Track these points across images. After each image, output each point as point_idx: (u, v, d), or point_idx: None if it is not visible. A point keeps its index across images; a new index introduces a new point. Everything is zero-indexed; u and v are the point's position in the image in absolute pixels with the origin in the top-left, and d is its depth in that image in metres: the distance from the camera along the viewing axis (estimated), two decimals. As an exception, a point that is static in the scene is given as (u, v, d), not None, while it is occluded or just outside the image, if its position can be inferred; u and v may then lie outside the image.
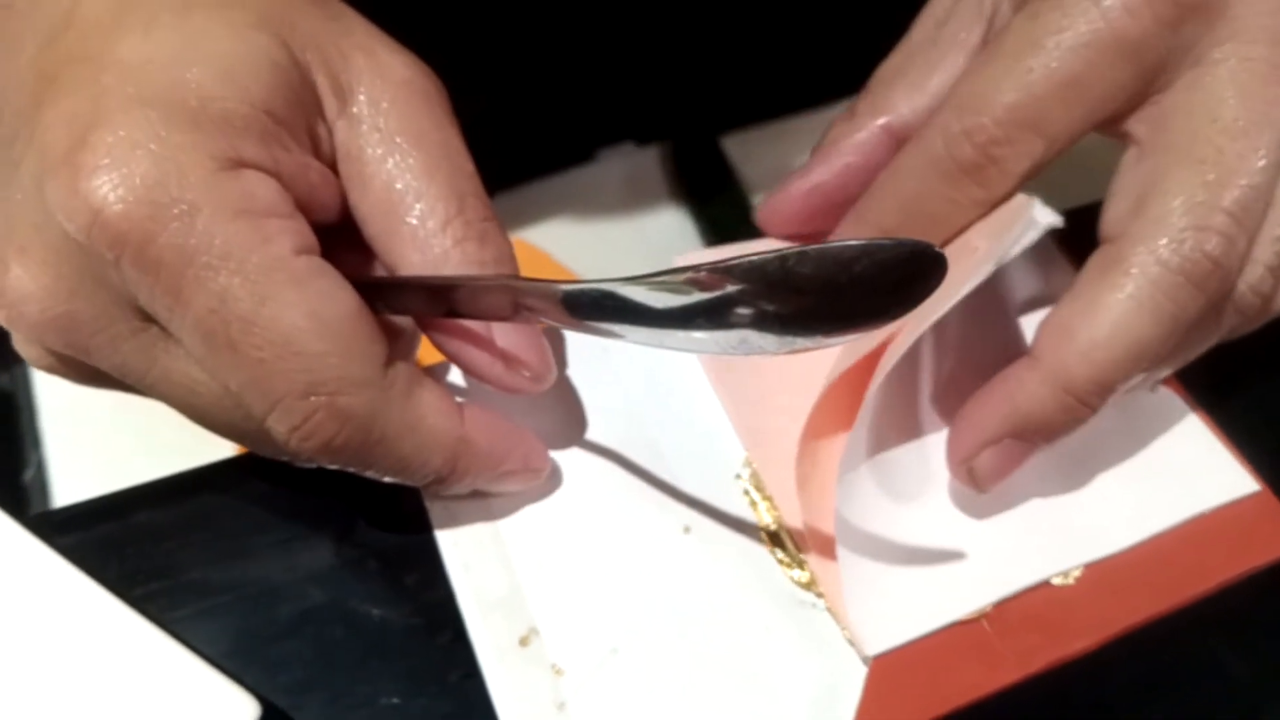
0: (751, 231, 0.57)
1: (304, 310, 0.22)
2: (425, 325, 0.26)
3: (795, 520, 0.27)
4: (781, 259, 0.20)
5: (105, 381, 0.25)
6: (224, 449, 0.47)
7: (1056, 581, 0.27)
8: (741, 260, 0.20)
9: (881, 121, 0.30)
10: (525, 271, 0.26)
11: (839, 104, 0.61)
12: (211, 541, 0.27)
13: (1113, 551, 0.27)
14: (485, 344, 0.26)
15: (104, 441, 0.51)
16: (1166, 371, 0.28)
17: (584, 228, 0.59)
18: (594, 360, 0.30)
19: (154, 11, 0.24)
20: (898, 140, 0.30)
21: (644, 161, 0.60)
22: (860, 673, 0.25)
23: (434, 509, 0.27)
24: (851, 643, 0.26)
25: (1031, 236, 0.25)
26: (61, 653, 0.24)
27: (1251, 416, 0.30)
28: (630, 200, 0.59)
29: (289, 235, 0.23)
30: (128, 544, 0.27)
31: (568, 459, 0.28)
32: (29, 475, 0.50)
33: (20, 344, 0.25)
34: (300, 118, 0.25)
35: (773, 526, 0.27)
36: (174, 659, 0.24)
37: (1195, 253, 0.25)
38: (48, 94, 0.23)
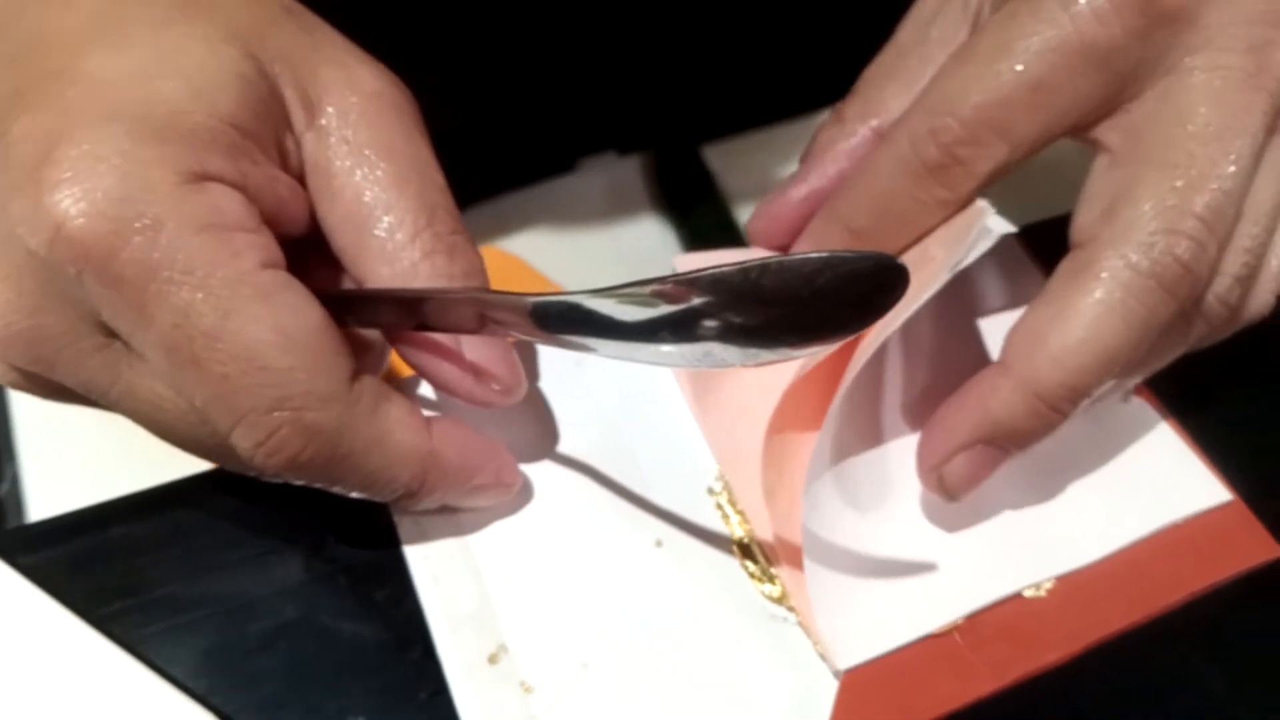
0: (732, 241, 0.57)
1: (269, 325, 0.22)
2: (394, 339, 0.26)
3: (767, 534, 0.27)
4: (744, 271, 0.20)
5: (72, 397, 0.25)
6: (203, 462, 0.47)
7: (1028, 593, 0.27)
8: (706, 272, 0.21)
9: (873, 124, 0.30)
10: (505, 282, 0.26)
11: (820, 113, 0.61)
12: (182, 557, 0.27)
13: (1085, 563, 0.27)
14: (454, 357, 0.26)
15: (80, 454, 0.50)
16: (1136, 379, 0.28)
17: (565, 238, 0.59)
18: (566, 373, 0.30)
19: (126, 27, 0.24)
20: None
21: (625, 171, 0.60)
22: (832, 686, 0.25)
23: (403, 524, 0.27)
24: (823, 656, 0.26)
25: (985, 245, 0.25)
26: (20, 677, 0.24)
27: (1223, 426, 0.30)
28: (611, 210, 0.59)
29: (255, 249, 0.23)
30: (97, 561, 0.26)
31: (539, 472, 0.28)
32: (3, 489, 0.50)
33: None
34: (268, 130, 0.24)
35: (745, 540, 0.27)
36: (137, 681, 0.24)
37: (1165, 257, 0.25)
38: (15, 109, 0.23)
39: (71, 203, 0.21)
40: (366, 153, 0.25)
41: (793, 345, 0.21)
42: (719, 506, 0.28)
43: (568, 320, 0.22)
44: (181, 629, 0.26)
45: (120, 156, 0.22)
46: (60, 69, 0.23)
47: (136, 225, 0.21)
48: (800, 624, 0.26)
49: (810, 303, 0.20)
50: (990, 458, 0.26)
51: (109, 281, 0.21)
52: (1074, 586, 0.27)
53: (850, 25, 0.58)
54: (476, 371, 0.26)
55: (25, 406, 0.52)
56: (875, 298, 0.20)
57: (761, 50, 0.59)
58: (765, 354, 0.21)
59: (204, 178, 0.22)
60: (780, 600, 0.26)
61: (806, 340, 0.21)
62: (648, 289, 0.21)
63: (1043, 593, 0.27)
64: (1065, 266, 0.26)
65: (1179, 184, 0.25)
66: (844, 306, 0.20)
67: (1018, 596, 0.27)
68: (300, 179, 0.25)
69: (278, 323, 0.22)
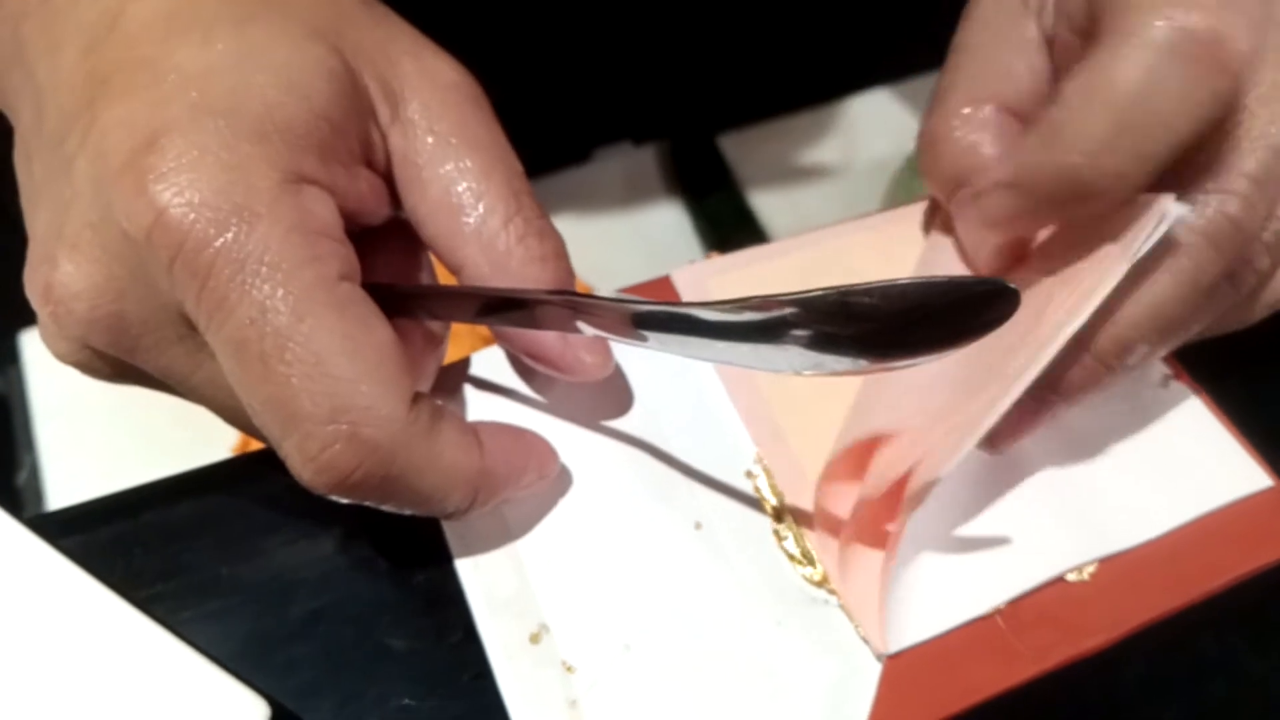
0: (747, 227, 0.57)
1: (340, 333, 0.22)
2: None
3: (808, 517, 0.27)
4: (862, 292, 0.21)
5: (139, 379, 0.25)
6: (221, 451, 0.47)
7: (1071, 578, 0.26)
8: (831, 295, 0.21)
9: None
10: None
11: (835, 103, 0.61)
12: (219, 542, 0.26)
13: (1127, 547, 0.27)
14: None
15: (99, 444, 0.50)
16: (1179, 341, 0.28)
17: (582, 227, 0.59)
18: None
19: (209, 22, 0.24)
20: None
21: (641, 161, 0.60)
22: (874, 670, 0.25)
23: (442, 508, 0.27)
24: (866, 640, 0.25)
25: (1162, 230, 0.25)
26: (67, 656, 0.24)
27: (1265, 412, 0.29)
28: (628, 199, 0.59)
29: (336, 259, 0.23)
30: (134, 544, 0.26)
31: (577, 455, 0.28)
32: (22, 478, 0.50)
33: (52, 338, 0.24)
34: (355, 126, 0.25)
35: (785, 523, 0.27)
36: (182, 661, 0.24)
37: (1217, 215, 0.25)
38: (102, 97, 0.23)
39: (175, 193, 0.22)
40: (453, 144, 0.26)
41: (899, 358, 0.22)
42: (758, 489, 0.28)
43: (665, 325, 0.23)
44: (219, 613, 0.25)
45: (225, 150, 0.22)
46: (148, 60, 0.23)
47: (234, 219, 0.22)
48: (842, 607, 0.26)
49: (922, 324, 0.21)
50: (1036, 412, 0.27)
51: (197, 271, 0.22)
52: (1116, 571, 0.27)
53: (865, 14, 0.58)
54: (572, 342, 0.26)
55: (45, 397, 0.52)
56: (986, 322, 0.21)
57: (776, 40, 0.59)
58: (869, 364, 0.22)
59: (300, 179, 0.23)
60: (821, 583, 0.26)
61: (913, 355, 0.22)
62: (756, 309, 0.22)
63: (1085, 577, 0.26)
64: None
65: (1235, 142, 0.25)
66: (951, 326, 0.21)
67: (1060, 581, 0.26)
68: (384, 171, 0.26)
69: (347, 332, 0.22)
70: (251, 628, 0.25)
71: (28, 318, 0.50)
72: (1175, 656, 0.26)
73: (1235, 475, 0.28)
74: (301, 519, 0.27)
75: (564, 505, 0.27)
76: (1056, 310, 0.26)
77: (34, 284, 0.24)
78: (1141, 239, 0.25)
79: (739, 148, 0.61)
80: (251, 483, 0.27)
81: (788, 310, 0.21)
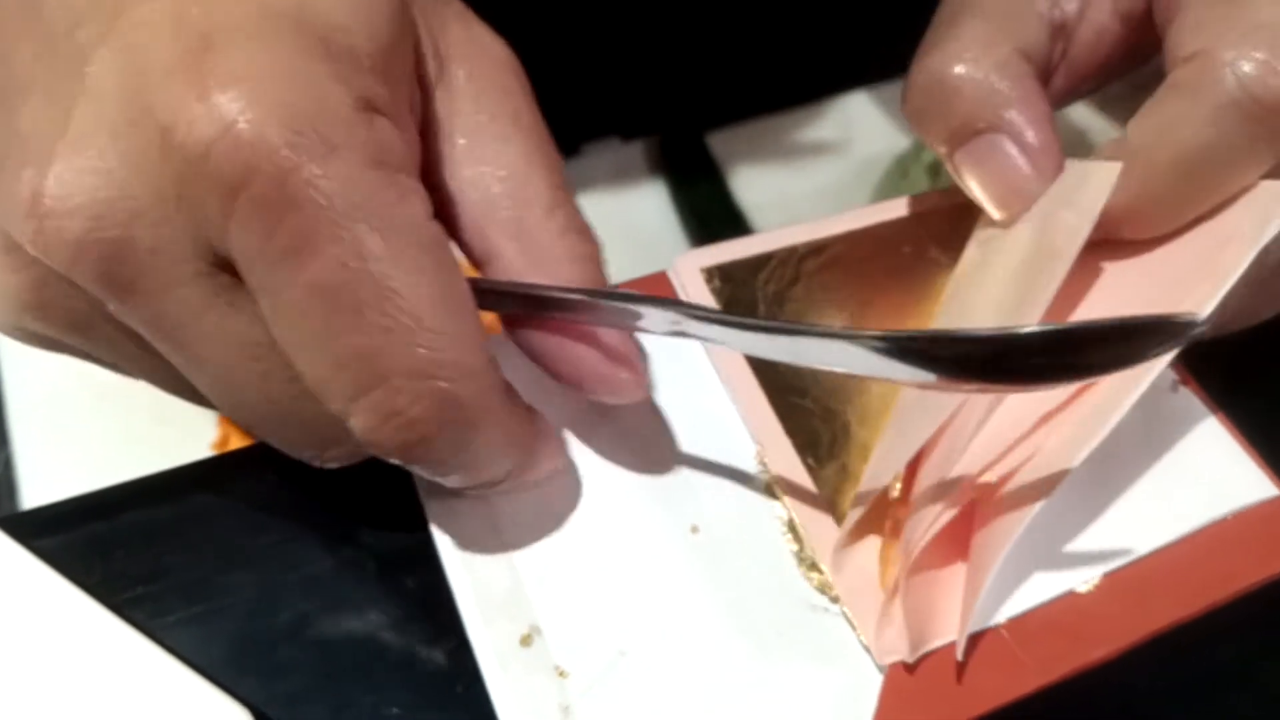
0: (735, 224, 0.57)
1: (437, 281, 0.20)
2: (514, 324, 0.25)
3: (809, 521, 0.26)
4: (1010, 339, 0.21)
5: (88, 342, 0.22)
6: (202, 448, 0.46)
7: (1077, 588, 0.26)
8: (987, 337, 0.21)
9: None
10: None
11: (825, 100, 0.61)
12: (203, 542, 0.25)
13: (1133, 558, 0.26)
14: (592, 341, 0.24)
15: (76, 439, 0.49)
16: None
17: (569, 222, 0.58)
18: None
19: None
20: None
21: (630, 156, 0.60)
22: (876, 680, 0.24)
23: (431, 506, 0.26)
24: (868, 649, 0.25)
25: None
26: (40, 664, 0.23)
27: (1272, 420, 0.29)
28: (616, 194, 0.59)
29: (419, 196, 0.20)
30: (113, 546, 0.25)
31: (571, 453, 0.27)
32: (-4, 473, 0.49)
33: (3, 284, 0.21)
34: (407, 73, 0.22)
35: (786, 527, 0.27)
36: (161, 668, 0.23)
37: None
38: None
39: (245, 105, 0.18)
40: (497, 122, 0.24)
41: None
42: (759, 491, 0.27)
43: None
44: (204, 617, 0.25)
45: (297, 63, 0.19)
46: None
47: (315, 147, 0.19)
48: (845, 614, 0.25)
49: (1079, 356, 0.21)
50: None
51: (273, 204, 0.19)
52: (1121, 581, 0.26)
53: (854, 12, 0.58)
54: (615, 358, 0.24)
55: (19, 388, 0.51)
56: (1150, 351, 0.21)
57: (765, 36, 0.59)
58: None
59: (372, 108, 0.20)
60: (823, 590, 0.26)
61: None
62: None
63: (1091, 586, 0.26)
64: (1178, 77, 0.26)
65: None
66: (1110, 355, 0.21)
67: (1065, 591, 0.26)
68: (419, 127, 0.23)
69: (443, 281, 0.20)
70: (236, 632, 0.24)
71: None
72: (1189, 667, 0.26)
73: (1241, 484, 0.28)
74: (288, 520, 0.26)
75: (557, 505, 0.26)
76: (1172, 294, 0.26)
77: (11, 192, 0.19)
78: (1271, 225, 0.25)
79: (728, 144, 0.60)
80: (236, 482, 0.26)
81: (949, 349, 0.21)
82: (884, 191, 0.55)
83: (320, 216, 0.19)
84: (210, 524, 0.26)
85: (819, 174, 0.59)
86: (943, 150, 0.29)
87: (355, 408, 0.20)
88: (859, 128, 0.61)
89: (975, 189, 0.28)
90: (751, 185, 0.59)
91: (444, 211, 0.24)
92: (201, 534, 0.26)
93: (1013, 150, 0.27)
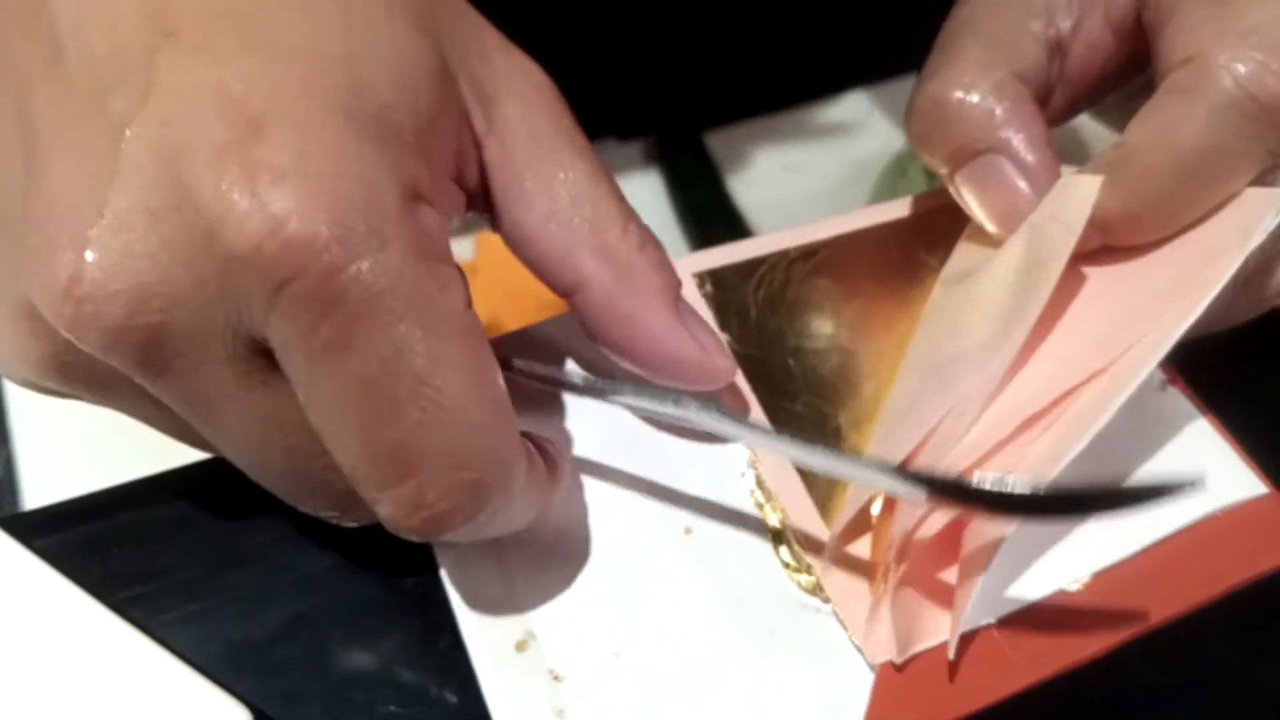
0: (733, 226, 0.57)
1: (472, 374, 0.20)
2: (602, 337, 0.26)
3: (801, 523, 0.27)
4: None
5: (110, 400, 0.22)
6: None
7: (1066, 586, 0.26)
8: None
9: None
10: (507, 268, 0.25)
11: (822, 102, 0.61)
12: (200, 542, 0.26)
13: (1122, 557, 0.27)
14: (675, 330, 0.25)
15: (78, 438, 0.50)
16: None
17: (567, 223, 0.58)
18: (593, 357, 0.29)
19: None
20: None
21: (627, 157, 0.60)
22: (867, 678, 0.25)
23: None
24: (859, 648, 0.25)
25: (1272, 221, 0.25)
26: (39, 661, 0.23)
27: (1260, 418, 0.29)
28: (614, 195, 0.59)
29: (458, 285, 0.20)
30: (111, 545, 0.25)
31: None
32: (-4, 473, 0.49)
33: (22, 343, 0.20)
34: (451, 133, 0.22)
35: (778, 529, 0.27)
36: (160, 666, 0.23)
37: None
38: (168, 51, 0.19)
39: (297, 203, 0.18)
40: (557, 150, 0.24)
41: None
42: (751, 493, 0.27)
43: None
44: (200, 616, 0.25)
45: (350, 153, 0.19)
46: (231, 14, 0.19)
47: (365, 243, 0.18)
48: (835, 615, 0.26)
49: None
50: None
51: (320, 300, 0.18)
52: (1110, 580, 0.26)
53: (852, 13, 0.58)
54: (708, 347, 0.25)
55: (20, 390, 0.51)
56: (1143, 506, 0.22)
57: (763, 37, 0.59)
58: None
59: (418, 196, 0.20)
60: (814, 591, 0.26)
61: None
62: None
63: (1080, 586, 0.26)
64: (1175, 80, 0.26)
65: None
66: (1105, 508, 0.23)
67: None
68: (472, 186, 0.23)
69: (478, 373, 0.20)
70: (233, 631, 0.25)
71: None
72: (1182, 664, 0.26)
73: (1230, 482, 0.28)
74: (285, 520, 0.26)
75: (551, 510, 0.27)
76: (1158, 303, 0.26)
77: (49, 273, 0.19)
78: (1257, 232, 0.25)
79: (725, 145, 0.60)
80: (234, 482, 0.26)
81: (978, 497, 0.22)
82: (882, 191, 0.55)
83: (365, 313, 0.18)
84: (207, 524, 0.26)
85: (817, 174, 0.59)
86: (944, 171, 0.29)
87: (384, 497, 0.20)
88: (857, 127, 0.61)
89: (975, 208, 0.29)
90: (749, 185, 0.59)
91: (525, 250, 0.24)
92: (199, 534, 0.26)
93: (1011, 170, 0.28)
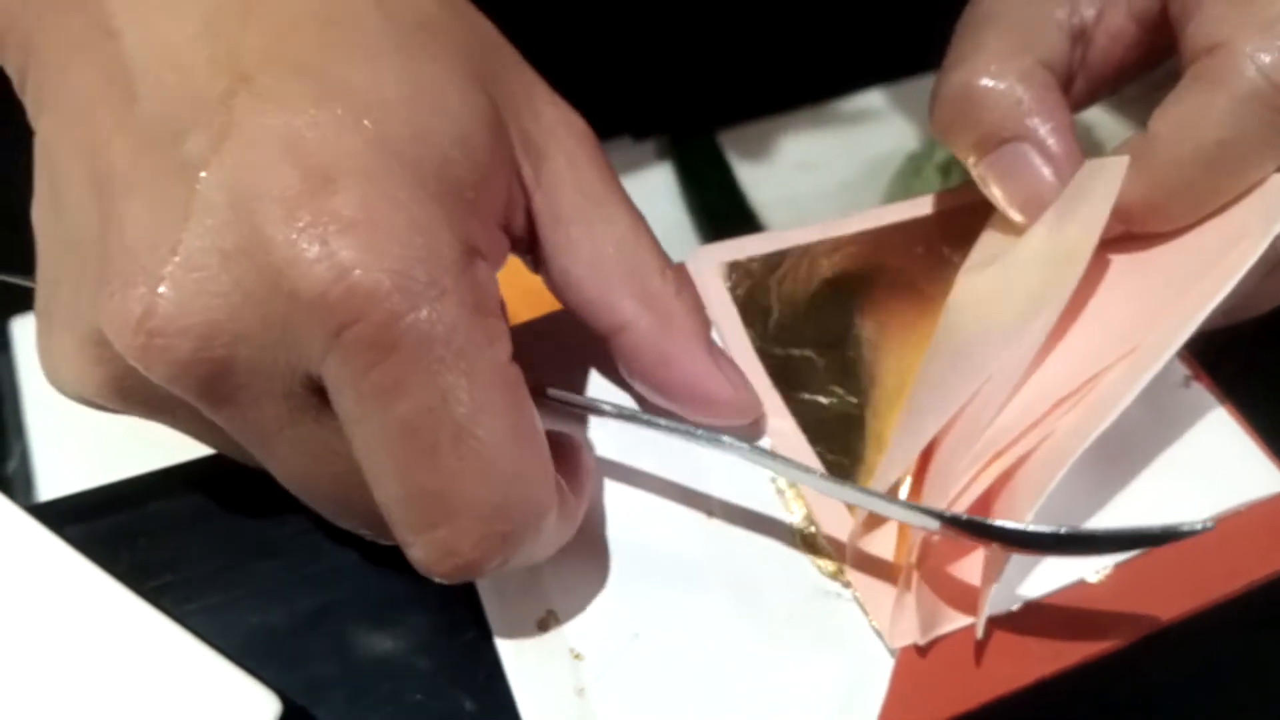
0: (746, 224, 0.57)
1: (513, 427, 0.21)
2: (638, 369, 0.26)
3: (822, 508, 0.27)
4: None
5: (160, 420, 0.23)
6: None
7: (1088, 578, 0.26)
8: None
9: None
10: (515, 269, 0.25)
11: (836, 100, 0.61)
12: (226, 533, 0.26)
13: (1144, 549, 0.26)
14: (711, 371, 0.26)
15: (92, 431, 0.50)
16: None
17: (580, 221, 0.58)
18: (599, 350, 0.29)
19: (375, 42, 0.21)
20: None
21: (641, 156, 0.60)
22: (887, 664, 0.25)
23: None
24: (880, 633, 0.25)
25: None
26: (72, 647, 0.23)
27: (1282, 414, 0.29)
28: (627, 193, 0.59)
29: (505, 339, 0.21)
30: (139, 534, 0.26)
31: (586, 441, 0.28)
32: (12, 466, 0.49)
33: (87, 366, 0.21)
34: (505, 187, 0.23)
35: (798, 515, 0.27)
36: (191, 654, 0.23)
37: None
38: (244, 97, 0.20)
39: (362, 253, 0.19)
40: (602, 200, 0.25)
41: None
42: (772, 479, 0.27)
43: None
44: (227, 605, 0.25)
45: (416, 208, 0.20)
46: (306, 67, 0.20)
47: (424, 294, 0.19)
48: (856, 599, 0.26)
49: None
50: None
51: (377, 346, 0.19)
52: (1132, 572, 0.26)
53: (866, 11, 0.58)
54: (737, 384, 0.26)
55: (36, 381, 0.51)
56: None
57: (777, 35, 0.59)
58: None
59: (474, 250, 0.21)
60: (835, 575, 0.26)
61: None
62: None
63: (1101, 577, 0.26)
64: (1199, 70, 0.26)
65: None
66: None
67: (1077, 580, 0.26)
68: (519, 234, 0.24)
69: (518, 425, 0.21)
70: (260, 621, 0.25)
71: (18, 303, 0.49)
72: (1201, 655, 0.26)
73: (1252, 477, 0.28)
74: (311, 513, 0.26)
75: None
76: (1181, 289, 0.26)
77: (121, 306, 0.19)
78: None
79: (739, 144, 0.60)
80: (260, 475, 0.27)
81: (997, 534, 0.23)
82: (896, 190, 0.55)
83: (418, 361, 0.19)
84: (234, 516, 0.26)
85: (831, 172, 0.59)
86: (970, 160, 0.30)
87: (417, 540, 0.21)
88: (871, 126, 0.61)
89: (1000, 196, 0.29)
90: (763, 184, 0.59)
91: (569, 295, 0.25)
92: (225, 525, 0.26)
93: (1036, 159, 0.28)
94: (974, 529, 0.23)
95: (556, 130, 0.24)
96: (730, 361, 0.27)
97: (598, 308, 0.25)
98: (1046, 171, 0.28)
